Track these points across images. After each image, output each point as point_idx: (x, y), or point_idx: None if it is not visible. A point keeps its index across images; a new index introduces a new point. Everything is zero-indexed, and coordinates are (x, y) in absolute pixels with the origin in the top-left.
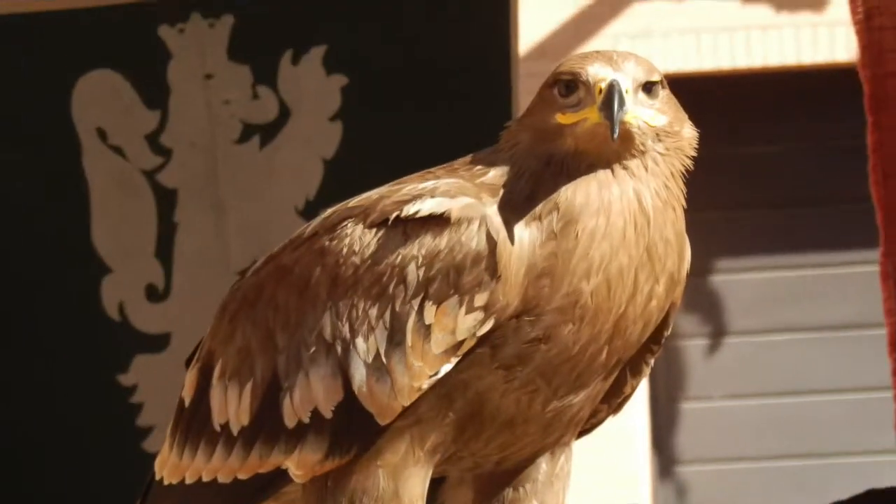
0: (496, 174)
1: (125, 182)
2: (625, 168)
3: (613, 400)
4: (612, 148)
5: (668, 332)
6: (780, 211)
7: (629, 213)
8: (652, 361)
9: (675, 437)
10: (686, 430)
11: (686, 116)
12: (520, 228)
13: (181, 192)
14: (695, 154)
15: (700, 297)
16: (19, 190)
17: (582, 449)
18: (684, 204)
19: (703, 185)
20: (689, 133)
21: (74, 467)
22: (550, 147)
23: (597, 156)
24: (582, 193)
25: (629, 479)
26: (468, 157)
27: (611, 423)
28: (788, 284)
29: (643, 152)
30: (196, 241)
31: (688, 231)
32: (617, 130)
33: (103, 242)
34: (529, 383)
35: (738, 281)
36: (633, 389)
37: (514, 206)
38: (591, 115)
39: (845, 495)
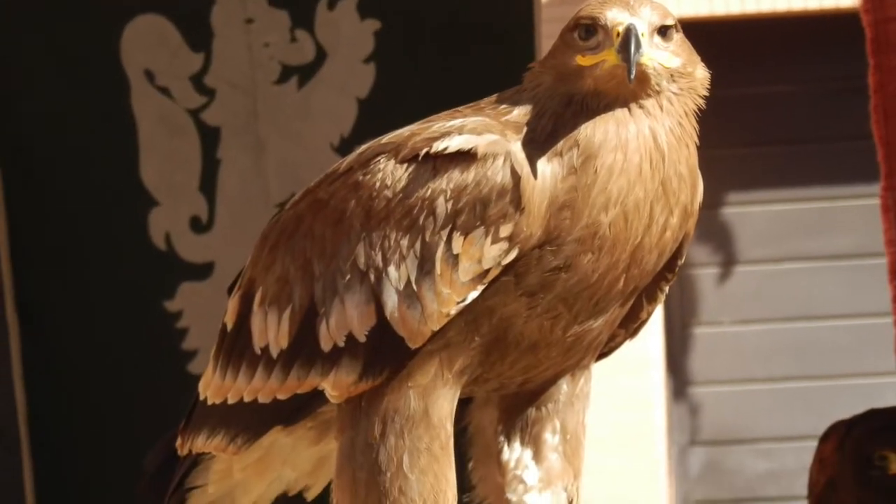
0: (520, 113)
1: (171, 121)
2: (641, 107)
3: (630, 325)
4: (629, 88)
5: (681, 262)
6: (788, 148)
7: (645, 149)
8: (666, 289)
9: (688, 360)
10: (699, 353)
11: (699, 59)
12: (542, 163)
13: (224, 130)
14: (707, 94)
15: (712, 229)
16: (73, 129)
17: (601, 371)
18: (697, 141)
19: (715, 124)
20: (701, 74)
21: (123, 388)
22: (571, 87)
23: (615, 96)
24: (601, 131)
25: (645, 400)
26: (494, 97)
27: (628, 346)
28: (795, 216)
29: (658, 92)
30: (238, 176)
31: (700, 167)
32: (633, 72)
33: (150, 177)
34: (551, 309)
35: (747, 213)
36: (649, 315)
37: (537, 143)
38: (609, 58)
39: (848, 414)
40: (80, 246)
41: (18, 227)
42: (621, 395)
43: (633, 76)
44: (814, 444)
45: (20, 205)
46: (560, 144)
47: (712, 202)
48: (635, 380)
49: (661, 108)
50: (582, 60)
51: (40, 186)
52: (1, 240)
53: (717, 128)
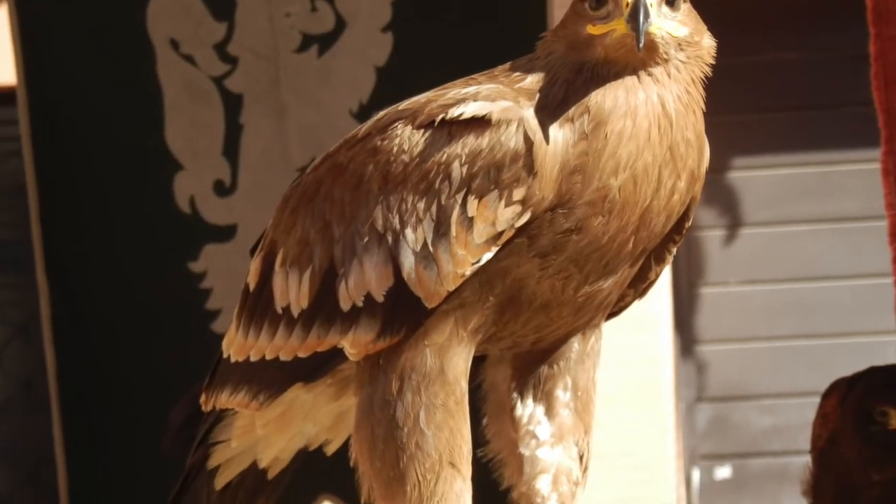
0: (533, 80)
1: (195, 88)
2: (650, 75)
3: (639, 285)
4: (638, 57)
5: (688, 224)
6: (792, 113)
7: (653, 115)
8: (674, 250)
9: (695, 320)
10: (705, 312)
11: (705, 28)
12: (554, 129)
13: (246, 97)
14: (713, 62)
15: (718, 192)
16: (100, 96)
17: (610, 330)
18: (704, 107)
19: (721, 91)
20: (708, 43)
21: (149, 347)
22: (582, 56)
23: (624, 64)
24: (610, 98)
25: (653, 358)
26: (507, 65)
27: (636, 306)
28: (799, 180)
29: (666, 60)
30: (260, 142)
31: (707, 132)
32: (642, 41)
33: (176, 142)
34: (563, 270)
35: (752, 177)
36: (657, 276)
37: (549, 109)
38: (618, 27)
39: (849, 372)
40: (107, 209)
41: (48, 191)
42: (630, 354)
43: (641, 45)
44: (816, 400)
45: (50, 169)
46: (571, 111)
47: (718, 166)
48: (644, 338)
49: (668, 75)
50: (592, 30)
51: (69, 152)
52: (31, 202)
53: (723, 94)
